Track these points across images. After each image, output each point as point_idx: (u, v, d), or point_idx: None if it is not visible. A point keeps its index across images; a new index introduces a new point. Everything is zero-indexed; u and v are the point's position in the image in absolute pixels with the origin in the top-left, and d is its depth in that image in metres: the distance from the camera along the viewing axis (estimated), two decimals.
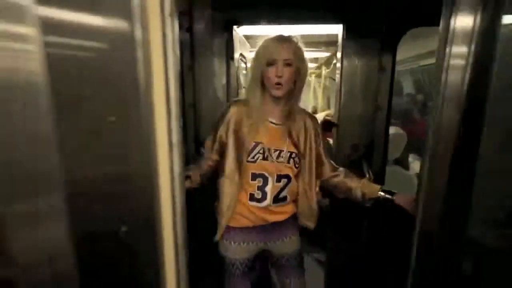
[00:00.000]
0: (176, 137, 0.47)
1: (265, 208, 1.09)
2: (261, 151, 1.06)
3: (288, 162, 1.08)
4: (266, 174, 1.07)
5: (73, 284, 0.42)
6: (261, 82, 1.06)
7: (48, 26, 0.38)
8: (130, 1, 0.40)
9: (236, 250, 1.13)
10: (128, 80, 0.41)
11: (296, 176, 1.11)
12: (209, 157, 1.13)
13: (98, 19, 0.39)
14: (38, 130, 0.39)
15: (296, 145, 1.09)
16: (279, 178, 1.07)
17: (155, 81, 0.44)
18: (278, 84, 1.02)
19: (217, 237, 1.13)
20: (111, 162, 0.43)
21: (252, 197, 1.08)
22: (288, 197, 1.11)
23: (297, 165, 1.10)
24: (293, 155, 1.09)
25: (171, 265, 0.49)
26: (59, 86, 0.40)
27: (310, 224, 1.19)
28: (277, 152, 1.07)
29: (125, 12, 0.39)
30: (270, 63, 1.02)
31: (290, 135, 1.10)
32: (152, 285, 0.49)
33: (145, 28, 0.42)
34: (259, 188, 1.07)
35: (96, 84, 0.41)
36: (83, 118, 0.41)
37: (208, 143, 1.13)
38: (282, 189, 1.08)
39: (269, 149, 1.06)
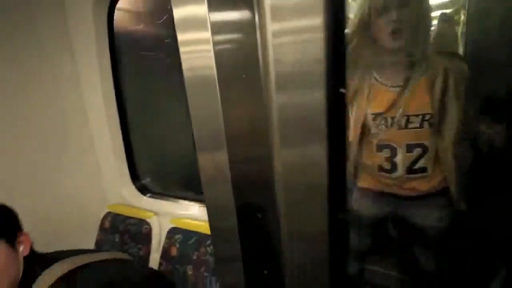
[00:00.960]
0: None
1: (398, 179, 0.97)
2: (382, 121, 0.93)
3: (421, 127, 0.90)
4: (394, 145, 0.93)
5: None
6: (369, 37, 0.88)
7: (214, 27, 0.57)
8: None
9: (363, 207, 1.11)
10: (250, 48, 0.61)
11: (444, 142, 0.91)
12: None
13: (235, 14, 0.57)
14: (211, 109, 0.64)
15: (430, 105, 0.88)
16: (410, 147, 0.92)
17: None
18: (395, 32, 0.82)
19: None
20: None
21: (380, 168, 0.98)
22: (429, 168, 0.94)
23: (435, 128, 0.90)
24: (427, 118, 0.89)
25: None
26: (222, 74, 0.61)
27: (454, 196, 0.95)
28: (404, 118, 0.90)
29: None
30: (381, 9, 0.83)
31: (419, 94, 0.89)
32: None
33: (261, 11, 0.59)
34: (387, 159, 0.95)
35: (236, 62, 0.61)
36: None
37: None
38: (417, 159, 0.93)
39: (392, 118, 0.91)
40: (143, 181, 1.46)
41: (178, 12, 0.64)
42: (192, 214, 1.23)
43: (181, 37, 0.65)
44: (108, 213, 1.39)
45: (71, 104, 1.30)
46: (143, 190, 1.43)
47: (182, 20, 0.64)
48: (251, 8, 0.57)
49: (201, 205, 1.24)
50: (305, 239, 0.74)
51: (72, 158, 1.35)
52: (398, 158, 0.94)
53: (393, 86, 0.92)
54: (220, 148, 0.69)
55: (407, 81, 0.90)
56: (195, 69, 0.66)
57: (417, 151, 0.92)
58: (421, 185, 0.97)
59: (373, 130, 0.95)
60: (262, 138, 0.70)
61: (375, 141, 0.96)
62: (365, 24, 0.87)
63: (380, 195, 1.05)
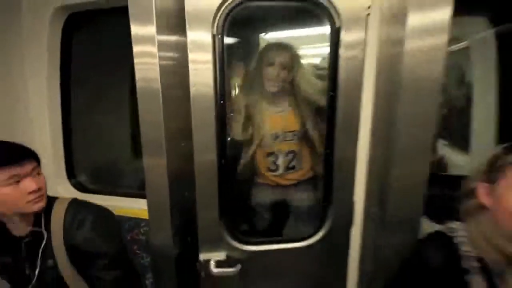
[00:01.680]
0: None
1: (280, 176, 1.45)
2: (270, 137, 1.37)
3: (292, 140, 1.38)
4: (276, 152, 1.40)
5: None
6: (260, 77, 1.34)
7: (161, 46, 0.80)
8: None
9: (261, 196, 1.53)
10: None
11: (306, 148, 1.41)
12: None
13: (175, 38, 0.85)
14: (154, 118, 0.85)
15: (301, 124, 1.36)
16: (287, 153, 1.40)
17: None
18: (273, 83, 1.30)
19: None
20: None
21: (268, 169, 1.46)
22: (296, 166, 1.43)
23: (302, 141, 1.38)
24: (295, 133, 1.37)
25: None
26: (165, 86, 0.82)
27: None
28: (282, 134, 1.37)
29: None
30: (269, 64, 1.30)
31: (290, 118, 1.37)
32: None
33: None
34: (272, 162, 1.42)
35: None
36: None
37: None
38: (291, 161, 1.42)
39: (275, 133, 1.37)
40: (79, 179, 1.56)
41: (135, 29, 0.88)
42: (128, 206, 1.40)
43: (135, 49, 0.88)
44: None
45: (15, 102, 1.38)
46: (79, 187, 1.53)
47: (137, 35, 0.88)
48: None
49: (135, 198, 1.42)
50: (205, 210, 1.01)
51: None
52: (280, 161, 1.42)
53: (275, 113, 1.40)
54: (160, 151, 0.93)
55: (283, 109, 1.40)
56: (146, 79, 0.89)
57: (290, 155, 1.41)
58: (294, 176, 1.46)
59: (264, 143, 1.40)
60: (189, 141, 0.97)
61: (265, 150, 1.42)
62: (259, 69, 1.35)
63: (271, 187, 1.50)
